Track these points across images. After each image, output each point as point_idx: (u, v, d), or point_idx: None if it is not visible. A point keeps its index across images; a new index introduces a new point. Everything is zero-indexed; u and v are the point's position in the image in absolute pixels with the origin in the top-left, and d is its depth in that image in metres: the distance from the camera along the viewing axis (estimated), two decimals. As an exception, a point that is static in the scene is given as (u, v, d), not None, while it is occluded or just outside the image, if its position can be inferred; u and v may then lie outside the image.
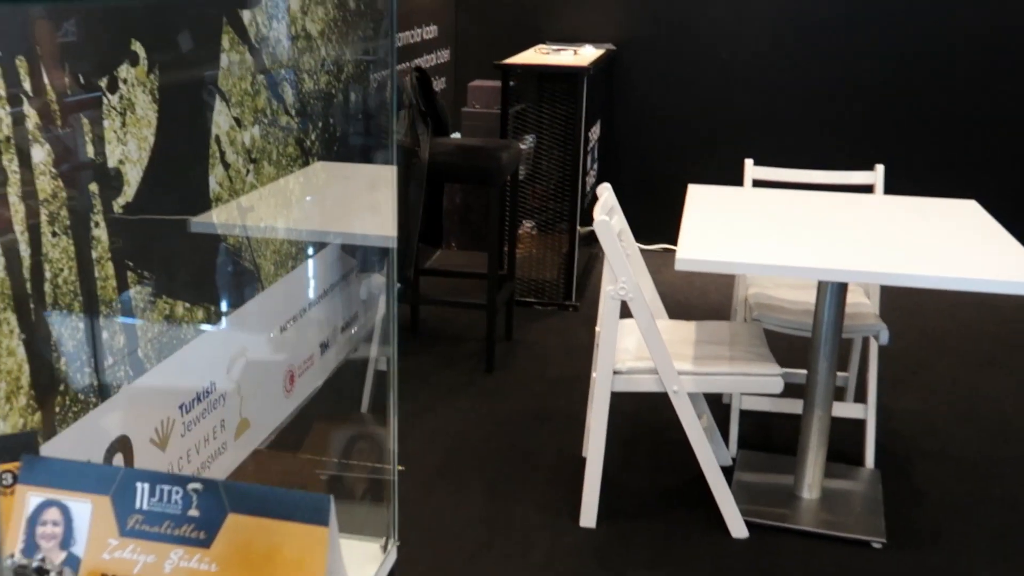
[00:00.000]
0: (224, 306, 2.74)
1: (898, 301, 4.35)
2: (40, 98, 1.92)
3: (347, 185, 3.32)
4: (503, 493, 2.73)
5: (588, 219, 4.36)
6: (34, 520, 0.90)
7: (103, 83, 2.13)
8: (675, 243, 2.48)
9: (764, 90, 4.74)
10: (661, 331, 2.60)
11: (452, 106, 4.92)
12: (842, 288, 2.44)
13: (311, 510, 0.84)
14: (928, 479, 2.84)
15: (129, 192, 2.25)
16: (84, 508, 0.89)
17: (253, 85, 2.77)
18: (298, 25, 3.00)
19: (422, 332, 3.91)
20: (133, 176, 2.26)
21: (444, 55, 4.77)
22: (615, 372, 2.44)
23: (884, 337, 2.69)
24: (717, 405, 3.19)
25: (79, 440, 2.13)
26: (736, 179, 4.69)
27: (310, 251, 3.29)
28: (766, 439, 3.05)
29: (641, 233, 5.00)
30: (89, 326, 2.15)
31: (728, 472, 2.79)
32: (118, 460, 2.28)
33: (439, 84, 4.69)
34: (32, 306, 1.96)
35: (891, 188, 4.60)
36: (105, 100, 2.13)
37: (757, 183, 3.09)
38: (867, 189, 3.06)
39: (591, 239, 4.49)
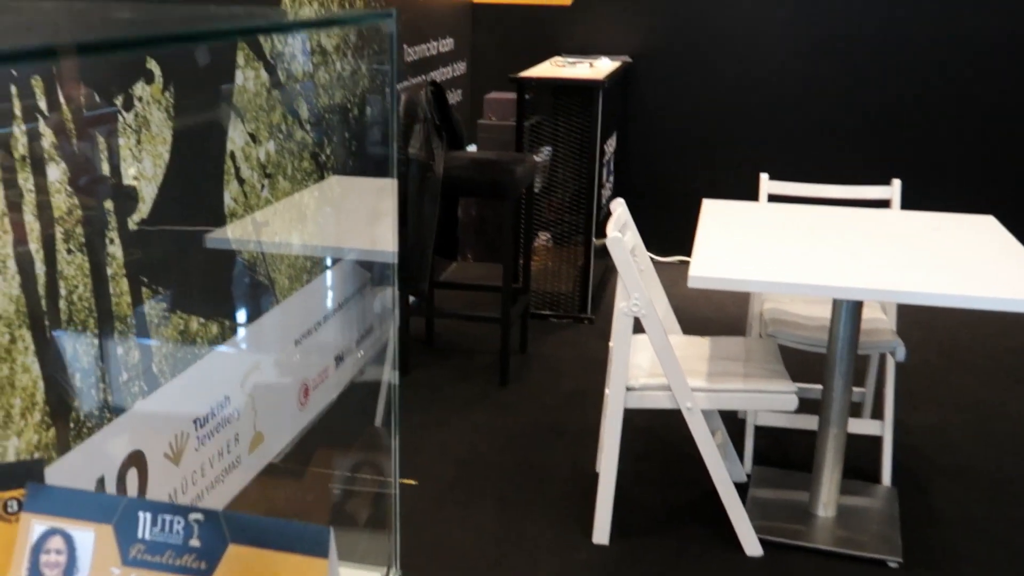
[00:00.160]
0: (239, 320, 2.76)
1: (915, 315, 4.32)
2: (56, 116, 1.94)
3: (362, 199, 3.33)
4: (515, 508, 2.73)
5: (604, 231, 4.35)
6: (38, 548, 0.90)
7: (119, 101, 2.15)
8: (691, 255, 2.47)
9: (780, 103, 4.72)
10: (675, 347, 2.59)
11: (468, 118, 4.93)
12: (858, 305, 2.42)
13: (311, 542, 0.84)
14: (946, 497, 2.81)
15: (144, 208, 2.26)
16: (87, 537, 0.90)
17: (268, 101, 2.79)
18: (313, 41, 3.01)
19: (437, 344, 3.91)
20: (148, 193, 2.27)
21: (460, 67, 4.78)
22: (628, 389, 2.43)
23: (901, 354, 2.67)
24: (732, 420, 3.17)
25: (93, 455, 2.15)
26: (751, 193, 4.67)
27: (325, 264, 3.30)
28: (781, 455, 3.03)
29: (657, 245, 4.98)
30: (104, 342, 2.16)
31: (743, 488, 2.77)
32: (132, 475, 2.30)
33: (455, 96, 4.70)
34: (47, 323, 1.97)
35: (908, 203, 4.57)
36: (120, 118, 2.15)
37: (772, 198, 3.08)
38: (884, 204, 3.04)
39: (607, 252, 4.47)
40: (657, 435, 3.16)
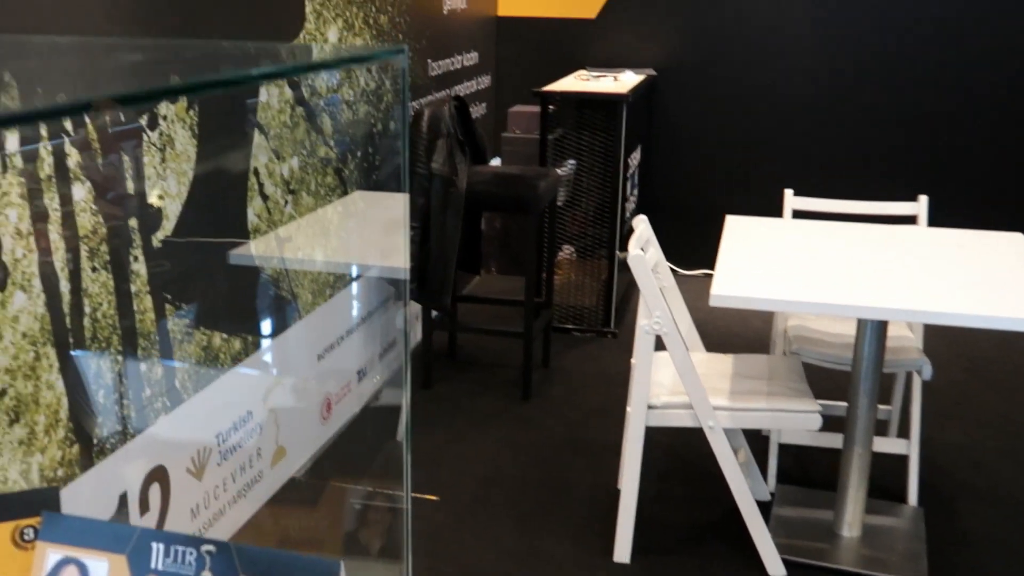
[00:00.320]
0: (261, 336, 2.77)
1: (943, 331, 4.26)
2: (81, 136, 1.96)
3: (385, 214, 3.34)
4: (536, 525, 2.72)
5: (628, 245, 4.34)
6: (53, 577, 0.91)
7: (143, 120, 2.17)
8: (714, 269, 2.45)
9: (805, 118, 4.69)
10: (697, 365, 2.58)
11: (492, 131, 4.94)
12: (883, 324, 2.40)
13: (322, 575, 0.83)
14: (973, 518, 2.77)
15: (168, 226, 2.28)
16: (101, 566, 0.90)
17: (292, 117, 2.81)
18: (337, 57, 3.02)
19: (460, 358, 3.91)
20: (172, 210, 2.29)
21: (485, 81, 4.79)
22: (650, 407, 2.42)
23: (927, 372, 2.64)
24: (756, 438, 3.14)
25: (116, 471, 2.16)
26: (776, 208, 4.64)
27: (348, 279, 3.31)
28: (806, 473, 3.00)
29: (681, 258, 4.96)
30: (127, 359, 2.17)
31: (766, 507, 2.74)
32: (154, 490, 2.31)
33: (479, 110, 4.71)
34: (71, 340, 1.99)
35: (935, 220, 4.53)
36: (145, 136, 2.17)
37: (797, 214, 3.05)
38: (910, 220, 3.01)
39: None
40: (680, 452, 3.14)
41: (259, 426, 2.76)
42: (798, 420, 2.36)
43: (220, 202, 2.52)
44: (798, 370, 2.59)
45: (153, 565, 0.88)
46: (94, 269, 2.04)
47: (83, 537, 0.91)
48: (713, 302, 2.15)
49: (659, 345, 2.39)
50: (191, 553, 0.87)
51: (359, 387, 3.41)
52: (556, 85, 4.21)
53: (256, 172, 2.64)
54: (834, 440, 2.92)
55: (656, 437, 3.21)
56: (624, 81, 4.30)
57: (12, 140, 1.79)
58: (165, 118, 2.25)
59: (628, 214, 4.35)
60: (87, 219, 2.01)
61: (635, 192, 4.57)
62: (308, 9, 2.81)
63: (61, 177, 1.91)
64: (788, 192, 3.05)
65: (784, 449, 3.08)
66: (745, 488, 2.43)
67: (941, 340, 4.14)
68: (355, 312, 3.36)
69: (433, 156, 3.28)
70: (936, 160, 4.61)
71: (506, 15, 4.92)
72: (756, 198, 4.81)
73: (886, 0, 4.50)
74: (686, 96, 4.80)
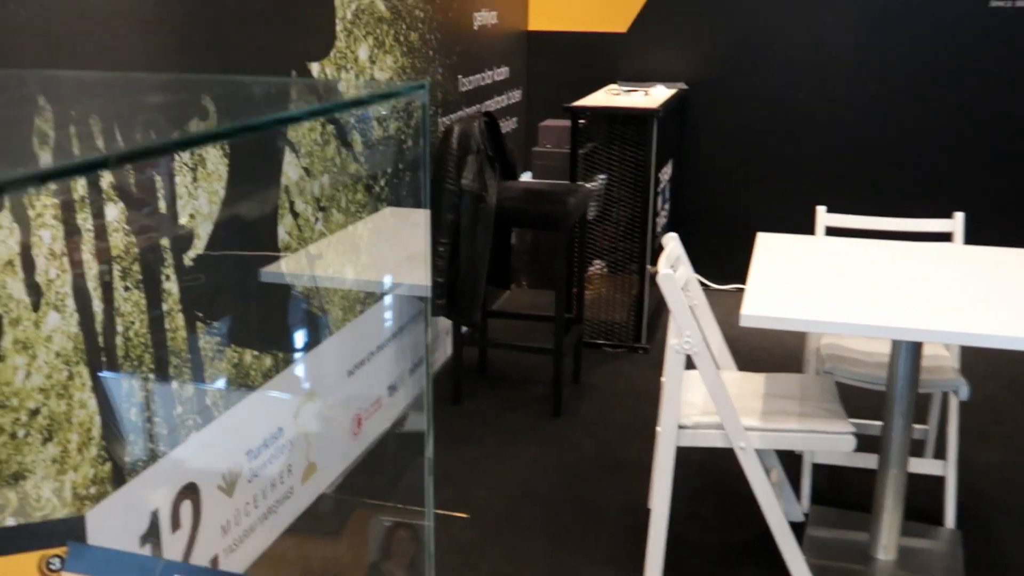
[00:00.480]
0: (292, 352, 2.78)
1: (980, 349, 4.18)
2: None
3: (414, 231, 3.35)
4: (566, 544, 2.70)
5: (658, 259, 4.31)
6: (78, 608, 0.91)
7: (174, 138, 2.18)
8: (746, 284, 2.43)
9: (838, 133, 4.64)
10: (728, 384, 2.55)
11: (523, 146, 4.94)
12: (918, 345, 2.36)
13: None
14: (1013, 540, 2.71)
15: (199, 245, 2.30)
16: (125, 598, 0.90)
17: (323, 134, 2.82)
18: (366, 75, 3.04)
19: (490, 373, 3.91)
20: (203, 229, 2.31)
21: (515, 95, 4.79)
22: (680, 427, 2.39)
23: (964, 393, 2.59)
24: (789, 457, 3.10)
25: (148, 489, 2.18)
26: (808, 223, 4.59)
27: (379, 294, 3.32)
28: (840, 494, 2.96)
29: (713, 272, 4.93)
30: (159, 377, 2.19)
31: (800, 528, 2.70)
32: (186, 508, 2.32)
33: (510, 124, 4.71)
34: (104, 359, 2.01)
35: (971, 237, 4.44)
36: (177, 156, 2.19)
37: (830, 231, 3.02)
38: (945, 238, 2.96)
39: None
40: (712, 471, 3.11)
41: (290, 442, 2.77)
42: (831, 442, 2.33)
43: (251, 220, 2.54)
44: (831, 390, 2.56)
45: (177, 598, 0.88)
46: (126, 288, 2.06)
47: (108, 568, 0.92)
48: (743, 322, 2.13)
49: (690, 363, 2.37)
50: (214, 587, 0.87)
51: (389, 403, 3.41)
52: (587, 100, 4.20)
53: (287, 190, 2.65)
54: (869, 460, 2.88)
55: (688, 455, 3.18)
56: (655, 95, 4.28)
57: (45, 159, 1.81)
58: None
59: (659, 228, 4.33)
60: (120, 239, 2.03)
61: (666, 206, 4.54)
62: (339, 28, 2.82)
63: (94, 197, 1.93)
64: (820, 209, 3.02)
65: (818, 469, 3.04)
66: (777, 509, 2.40)
67: (978, 357, 4.07)
68: (385, 328, 3.37)
69: (463, 172, 3.28)
70: (972, 176, 4.54)
71: (537, 30, 4.93)
72: (788, 214, 4.77)
73: (920, 16, 4.45)
74: (718, 110, 4.77)
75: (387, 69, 3.18)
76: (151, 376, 2.16)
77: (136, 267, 2.08)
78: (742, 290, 4.88)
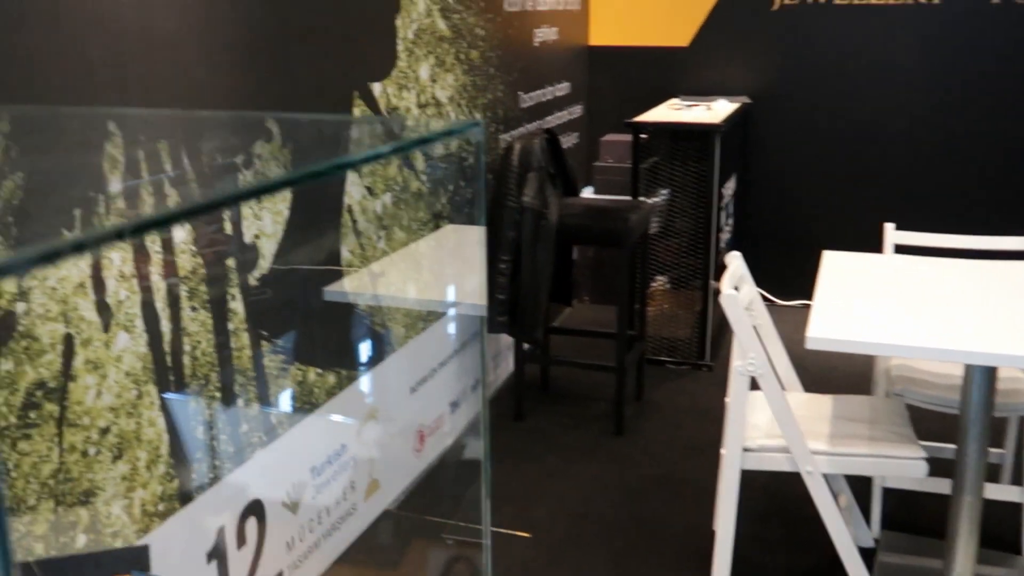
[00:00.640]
0: (355, 369, 2.80)
1: (1061, 365, 4.04)
2: (181, 178, 2.02)
3: (475, 248, 3.35)
4: (629, 565, 2.66)
5: (722, 275, 4.26)
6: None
7: (239, 160, 2.22)
8: (812, 299, 2.37)
9: (908, 147, 4.54)
10: (794, 406, 2.50)
11: (584, 160, 4.92)
12: (992, 369, 2.28)
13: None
14: (1095, 570, 2.61)
15: (264, 265, 2.33)
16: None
17: (386, 133, 2.84)
18: (427, 94, 3.06)
19: (552, 389, 3.89)
20: (268, 249, 2.34)
21: (576, 111, 4.79)
22: (745, 449, 2.35)
23: (1042, 415, 2.50)
24: (859, 480, 3.02)
25: (214, 506, 2.21)
26: (876, 241, 4.50)
27: (441, 310, 3.33)
28: (912, 519, 2.87)
29: (778, 288, 4.85)
30: (224, 395, 2.22)
31: (870, 554, 2.63)
32: (251, 524, 2.35)
33: (571, 140, 4.70)
34: (171, 378, 2.05)
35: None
36: (241, 176, 2.22)
37: (899, 248, 2.94)
38: (1021, 256, 2.87)
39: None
40: (778, 493, 3.05)
41: (353, 459, 2.78)
42: (902, 467, 2.27)
43: (314, 239, 2.56)
44: (902, 413, 2.49)
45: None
46: (193, 308, 2.10)
47: (172, 598, 0.93)
48: (809, 345, 2.08)
49: (755, 383, 2.33)
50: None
51: (451, 419, 3.42)
52: (648, 115, 4.17)
53: (350, 209, 2.68)
54: (942, 485, 2.79)
55: (753, 476, 3.13)
56: (717, 110, 4.24)
57: (115, 183, 1.86)
58: (260, 157, 2.31)
59: (723, 244, 4.27)
60: (187, 259, 2.06)
61: (730, 221, 4.49)
62: (400, 48, 2.85)
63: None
64: (889, 226, 2.95)
65: (888, 493, 2.96)
66: (846, 535, 2.34)
67: (1058, 376, 3.93)
68: (447, 344, 3.38)
69: (524, 190, 3.28)
70: (1050, 186, 4.40)
71: (598, 44, 4.91)
72: (855, 230, 4.67)
73: (992, 26, 4.33)
74: (782, 124, 4.70)
75: (448, 87, 3.20)
76: (217, 394, 2.19)
77: (203, 287, 2.12)
78: (807, 306, 4.79)
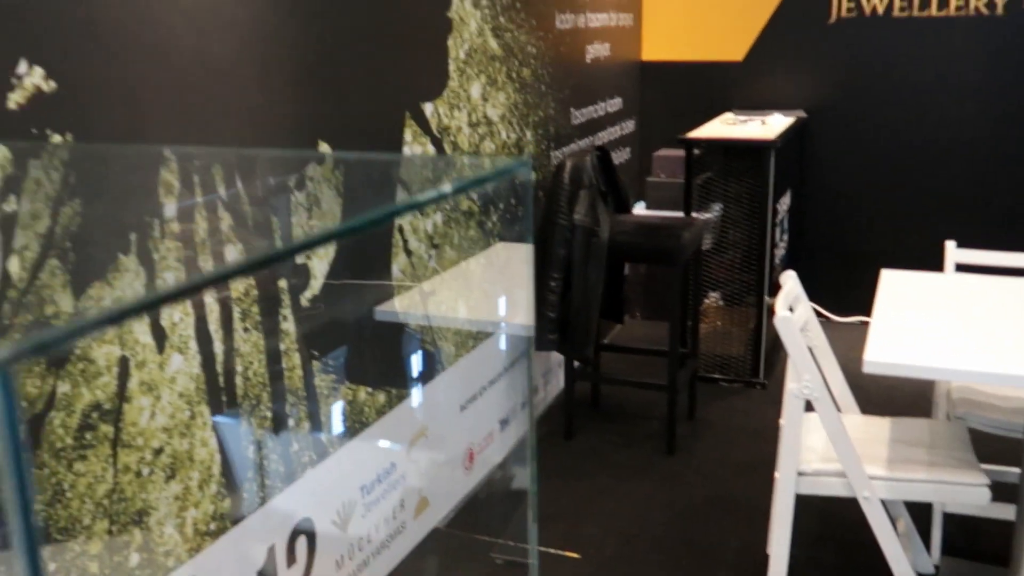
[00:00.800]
0: (405, 388, 2.81)
1: None
2: (234, 200, 2.04)
3: (526, 267, 3.34)
4: (680, 591, 2.63)
5: (777, 293, 4.19)
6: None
7: (291, 182, 2.24)
8: (870, 316, 2.32)
9: (970, 162, 4.43)
10: (851, 429, 2.44)
11: (636, 175, 4.89)
12: (1059, 390, 2.21)
13: None
14: None
15: (315, 285, 2.35)
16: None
17: (435, 172, 2.85)
18: (478, 112, 3.07)
19: (603, 407, 3.86)
20: (319, 269, 2.36)
21: (629, 126, 4.76)
22: (800, 473, 2.30)
23: (1112, 441, 2.41)
24: (918, 504, 2.95)
25: (265, 524, 2.22)
26: (936, 259, 4.39)
27: (490, 328, 3.32)
28: (974, 545, 2.79)
29: (835, 304, 4.76)
30: (276, 415, 2.24)
31: (929, 581, 2.56)
32: (301, 542, 2.36)
33: (623, 155, 4.68)
34: (224, 398, 2.07)
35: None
36: (293, 198, 2.24)
37: (960, 267, 2.87)
38: (1090, 273, 2.78)
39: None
40: (834, 516, 2.98)
41: (403, 477, 2.79)
42: (963, 494, 2.20)
43: (365, 259, 2.58)
44: (963, 437, 2.42)
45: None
46: (246, 330, 2.12)
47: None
48: (867, 369, 2.03)
49: (810, 405, 2.29)
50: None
51: (501, 437, 3.41)
52: (702, 130, 4.13)
53: (400, 229, 2.69)
54: (1006, 511, 2.71)
55: (808, 498, 3.07)
56: (772, 125, 4.18)
57: (170, 207, 1.89)
58: (312, 179, 2.33)
59: (777, 260, 4.21)
60: (239, 281, 2.09)
61: (785, 237, 4.42)
62: (451, 67, 2.86)
63: (215, 240, 2.00)
64: (950, 244, 2.88)
65: (949, 518, 2.88)
66: (905, 562, 2.28)
67: None
68: (497, 362, 3.37)
69: (575, 207, 3.27)
70: (1119, 200, 4.27)
71: (650, 60, 4.89)
72: (914, 246, 4.57)
73: (1059, 31, 4.22)
74: (839, 138, 4.62)
75: (499, 106, 3.20)
76: (268, 414, 2.21)
77: (255, 308, 2.14)
78: (864, 323, 4.70)
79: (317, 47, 2.26)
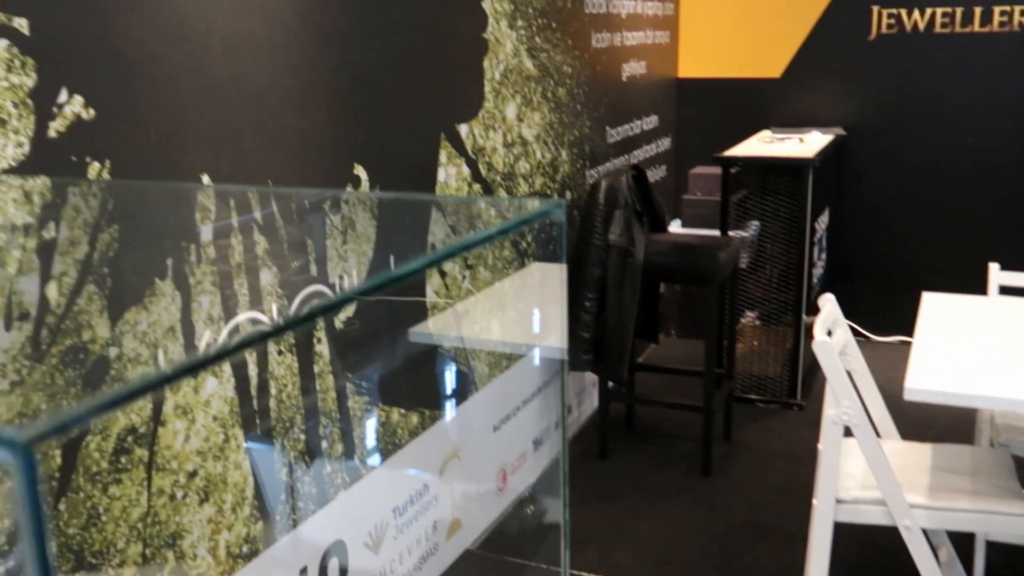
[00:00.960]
0: (438, 409, 2.80)
1: None
2: (269, 223, 2.05)
3: (561, 287, 3.33)
4: (716, 618, 2.59)
5: (815, 312, 4.14)
6: None
7: (326, 206, 2.25)
8: (911, 336, 2.29)
9: (1014, 182, 4.35)
10: (891, 455, 2.40)
11: (672, 193, 4.86)
12: (1107, 419, 2.15)
13: None
14: None
15: (349, 308, 2.35)
16: None
17: (469, 193, 2.85)
18: (513, 133, 3.07)
19: (637, 428, 3.83)
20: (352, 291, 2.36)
21: (664, 143, 4.74)
22: (838, 501, 2.26)
23: None
24: (959, 532, 2.88)
25: (298, 546, 2.22)
26: (979, 281, 4.31)
27: (523, 349, 3.31)
28: (1019, 574, 2.72)
29: (874, 324, 4.69)
30: (309, 437, 2.24)
31: (972, 612, 2.50)
32: (333, 564, 2.36)
33: (659, 173, 4.66)
34: (257, 421, 2.07)
35: None
36: (328, 221, 2.25)
37: (1004, 290, 2.81)
38: None
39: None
40: (874, 542, 2.93)
41: (435, 499, 2.78)
42: (1007, 524, 2.15)
43: (398, 280, 2.58)
44: (1007, 465, 2.36)
45: None
46: (280, 352, 2.12)
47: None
48: (908, 396, 1.99)
49: (849, 431, 2.25)
50: None
51: (534, 457, 3.39)
52: (739, 148, 4.10)
53: (433, 247, 2.69)
54: (1051, 540, 2.64)
55: (847, 525, 3.01)
56: (810, 143, 4.14)
57: (207, 231, 1.90)
58: (347, 202, 2.33)
59: (815, 279, 4.16)
60: (272, 303, 2.09)
61: (823, 256, 4.37)
62: (487, 89, 2.86)
63: (250, 263, 2.01)
64: (993, 266, 2.82)
65: (992, 547, 2.81)
66: (947, 594, 2.22)
67: None
68: (530, 382, 3.36)
69: (610, 227, 3.25)
70: None
71: (687, 77, 4.86)
72: (956, 267, 4.49)
73: (1106, 47, 4.14)
74: (878, 157, 4.56)
75: (534, 126, 3.20)
76: (302, 436, 2.22)
77: (289, 331, 2.14)
78: (904, 343, 4.62)
79: (353, 71, 2.27)
